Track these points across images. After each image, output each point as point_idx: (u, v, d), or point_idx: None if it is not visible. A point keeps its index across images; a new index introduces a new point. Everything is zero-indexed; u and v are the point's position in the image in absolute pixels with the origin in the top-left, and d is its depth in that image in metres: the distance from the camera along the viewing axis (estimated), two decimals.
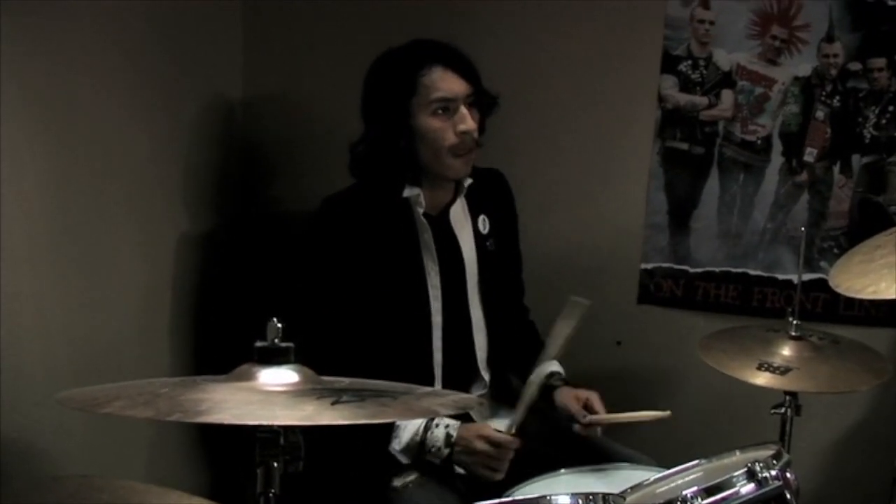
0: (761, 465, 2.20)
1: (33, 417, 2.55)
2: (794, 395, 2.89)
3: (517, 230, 3.27)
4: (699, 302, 3.67)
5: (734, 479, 2.17)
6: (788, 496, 2.18)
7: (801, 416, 2.92)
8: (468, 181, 3.03)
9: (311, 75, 3.71)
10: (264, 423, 1.48)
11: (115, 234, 2.96)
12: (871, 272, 2.54)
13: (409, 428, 2.85)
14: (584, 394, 3.01)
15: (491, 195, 3.16)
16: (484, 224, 3.12)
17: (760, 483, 2.16)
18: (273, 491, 1.58)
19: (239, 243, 3.69)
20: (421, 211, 2.96)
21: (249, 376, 1.62)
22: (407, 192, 2.94)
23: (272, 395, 1.57)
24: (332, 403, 1.48)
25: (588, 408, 2.97)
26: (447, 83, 2.88)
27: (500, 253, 3.17)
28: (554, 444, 2.95)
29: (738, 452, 2.50)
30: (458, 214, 3.07)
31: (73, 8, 2.70)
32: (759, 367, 2.85)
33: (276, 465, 1.58)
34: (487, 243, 3.12)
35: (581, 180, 3.63)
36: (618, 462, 2.89)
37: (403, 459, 2.86)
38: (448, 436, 2.81)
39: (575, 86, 3.59)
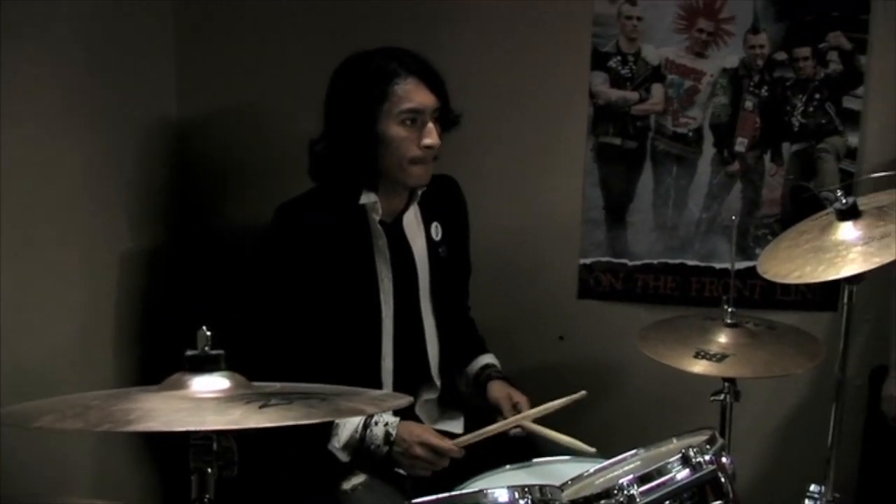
0: (695, 450, 2.22)
1: None
2: (732, 381, 2.92)
3: (468, 237, 3.29)
4: (639, 294, 3.72)
5: (669, 466, 2.18)
6: (723, 479, 2.20)
7: (739, 401, 2.94)
8: (422, 188, 3.05)
9: (245, 88, 3.72)
10: (192, 428, 1.49)
11: (53, 253, 2.93)
12: (797, 257, 2.58)
13: (347, 426, 2.87)
14: (517, 397, 3.06)
15: (444, 202, 3.19)
16: (437, 231, 3.15)
17: (695, 468, 2.18)
18: (208, 496, 1.59)
19: (181, 258, 3.70)
20: (377, 218, 2.98)
21: (181, 385, 1.63)
22: (364, 199, 2.95)
23: (202, 401, 1.58)
24: (260, 407, 1.50)
25: (516, 409, 3.02)
26: (419, 95, 2.90)
27: (452, 259, 3.20)
28: (497, 441, 2.95)
29: (674, 440, 2.52)
30: (412, 221, 3.10)
31: (6, 31, 2.67)
32: (697, 356, 2.88)
33: (210, 470, 1.59)
34: (440, 250, 3.15)
35: (517, 178, 3.67)
36: (561, 456, 2.88)
37: (343, 457, 2.89)
38: (387, 434, 2.85)
39: (507, 86, 3.62)
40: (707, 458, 2.22)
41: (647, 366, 3.03)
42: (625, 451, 2.51)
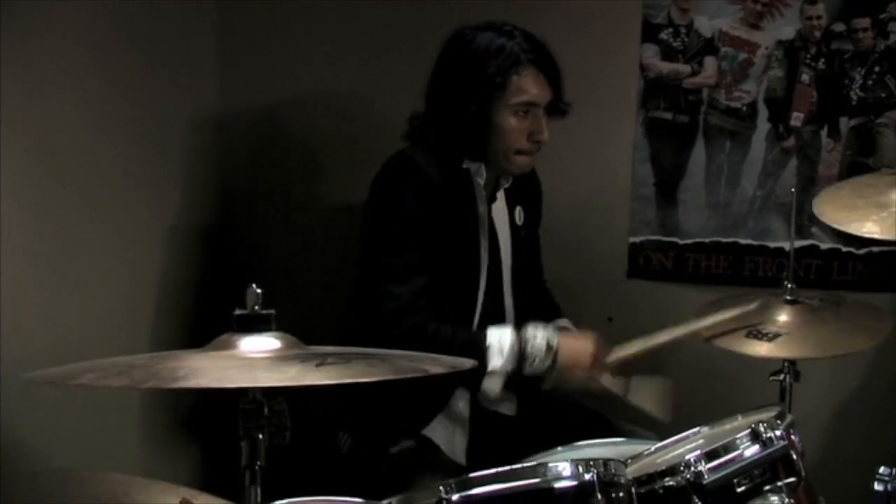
0: (765, 425, 2.14)
1: (13, 409, 2.50)
2: (792, 361, 2.84)
3: (539, 222, 3.23)
4: (690, 274, 3.62)
5: (738, 441, 2.10)
6: (794, 456, 2.12)
7: (800, 381, 2.86)
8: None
9: (289, 78, 3.69)
10: (244, 385, 1.41)
11: (102, 229, 2.99)
12: (860, 208, 2.50)
13: (498, 348, 2.80)
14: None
15: (526, 187, 3.12)
16: (520, 215, 3.09)
17: (765, 444, 2.10)
18: (259, 463, 1.50)
19: (229, 241, 3.69)
20: (481, 182, 2.93)
21: (229, 345, 1.54)
22: (467, 164, 2.91)
23: (253, 360, 1.50)
24: (317, 365, 1.41)
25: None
26: (536, 88, 2.85)
27: (531, 242, 3.17)
28: (556, 419, 2.95)
29: (739, 417, 2.44)
30: (499, 204, 3.04)
31: (56, 28, 2.77)
32: (749, 335, 2.82)
33: (260, 437, 1.51)
34: (522, 234, 3.10)
35: (565, 155, 3.49)
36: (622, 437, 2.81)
37: (498, 384, 2.83)
38: (549, 346, 2.80)
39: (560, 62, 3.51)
40: (778, 433, 2.14)
41: (700, 347, 2.97)
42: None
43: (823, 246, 3.54)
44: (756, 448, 2.10)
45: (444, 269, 2.87)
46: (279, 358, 1.50)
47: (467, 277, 2.95)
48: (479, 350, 2.77)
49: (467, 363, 1.63)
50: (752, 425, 2.14)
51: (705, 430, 2.41)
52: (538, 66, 2.84)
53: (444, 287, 2.86)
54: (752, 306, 2.86)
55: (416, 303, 2.80)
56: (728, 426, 2.42)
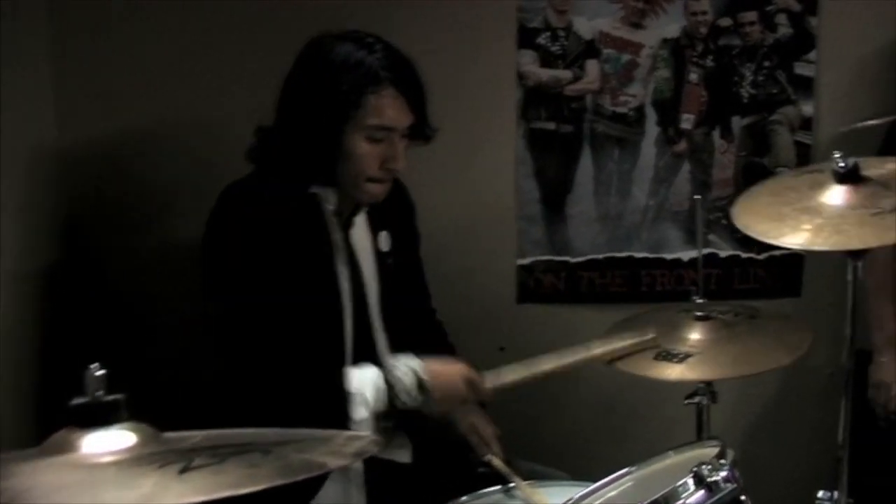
0: (708, 467, 1.92)
1: None
2: (708, 381, 2.66)
3: (419, 243, 2.93)
4: (584, 294, 3.41)
5: (681, 489, 1.88)
6: (744, 498, 1.90)
7: (717, 402, 2.71)
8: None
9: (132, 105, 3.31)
10: None
11: None
12: (787, 217, 2.27)
13: (363, 389, 2.53)
14: (484, 430, 2.76)
15: (393, 207, 2.79)
16: (386, 241, 2.77)
17: (711, 489, 1.89)
18: None
19: (73, 282, 3.28)
20: (331, 209, 2.62)
21: (68, 446, 1.21)
22: (315, 188, 2.60)
23: (97, 469, 1.17)
24: (181, 472, 1.10)
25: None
26: (395, 111, 2.53)
27: (403, 270, 2.84)
28: (456, 465, 2.72)
29: (671, 454, 2.25)
30: (359, 229, 2.73)
31: None
32: (657, 357, 2.62)
33: None
34: (389, 261, 2.77)
35: (441, 174, 3.27)
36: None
37: (369, 427, 2.52)
38: (417, 379, 2.54)
39: (424, 71, 3.24)
40: (723, 474, 1.94)
41: (607, 372, 2.77)
42: (601, 471, 2.20)
43: (723, 253, 3.39)
44: (702, 495, 1.89)
45: (300, 309, 2.52)
46: (132, 461, 1.17)
47: (329, 314, 2.64)
48: (342, 400, 2.51)
49: (373, 448, 1.33)
50: (695, 469, 1.92)
51: (634, 471, 2.19)
52: (398, 86, 2.53)
53: (302, 328, 2.53)
54: (648, 337, 2.68)
55: (266, 354, 2.51)
56: (660, 465, 2.22)
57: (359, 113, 2.50)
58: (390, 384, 2.53)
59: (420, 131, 2.64)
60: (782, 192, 2.35)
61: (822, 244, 2.18)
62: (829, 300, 3.35)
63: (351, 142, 2.52)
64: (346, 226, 2.68)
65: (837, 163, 2.23)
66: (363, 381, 2.53)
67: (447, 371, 2.60)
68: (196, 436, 1.32)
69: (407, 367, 2.56)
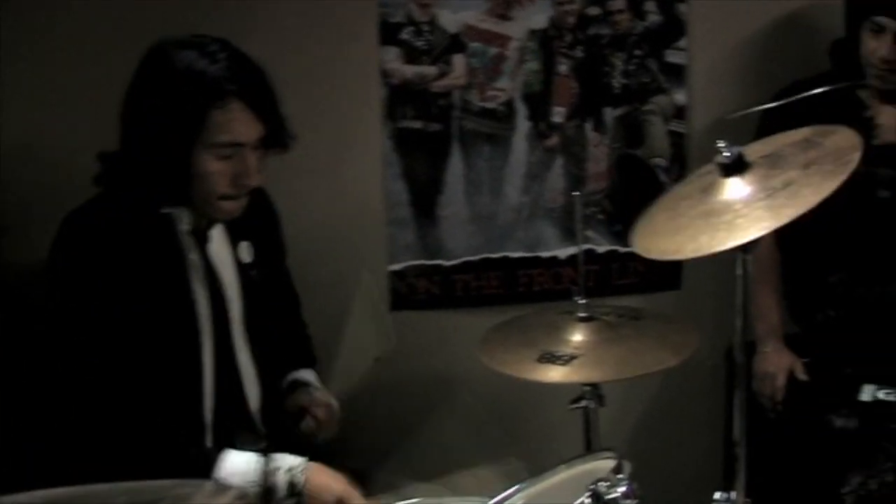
0: (606, 484, 1.84)
1: None
2: (594, 384, 2.58)
3: (285, 252, 2.75)
4: (460, 298, 3.28)
5: None
6: None
7: (605, 405, 2.63)
8: None
9: None
10: None
11: None
12: (685, 227, 2.18)
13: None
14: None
15: (254, 216, 2.57)
16: (248, 252, 2.57)
17: None
18: None
19: None
20: (186, 229, 2.41)
21: None
22: (167, 209, 2.39)
23: None
24: None
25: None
26: (243, 126, 2.31)
27: (268, 283, 2.64)
28: None
29: (563, 468, 2.12)
30: (217, 241, 2.52)
31: None
32: (541, 359, 2.50)
33: None
34: (252, 273, 2.57)
35: (305, 179, 3.11)
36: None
37: None
38: (292, 484, 2.31)
39: (284, 71, 3.04)
40: (622, 489, 1.86)
41: (487, 377, 2.63)
42: (486, 485, 2.22)
43: (601, 249, 3.32)
44: None
45: (152, 341, 2.34)
46: None
47: (186, 340, 2.45)
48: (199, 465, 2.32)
49: None
50: (592, 486, 1.83)
51: (524, 487, 2.03)
52: (244, 98, 2.31)
53: (155, 361, 2.35)
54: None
55: (112, 401, 2.30)
56: (552, 481, 2.08)
57: (204, 131, 2.28)
58: (261, 481, 2.33)
59: (275, 140, 2.43)
60: (676, 205, 2.26)
61: (719, 245, 2.08)
62: (710, 291, 3.36)
63: (199, 161, 2.31)
64: (203, 241, 2.48)
65: (722, 153, 2.15)
66: (234, 469, 2.33)
67: (327, 487, 2.39)
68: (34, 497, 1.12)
69: (286, 468, 2.36)
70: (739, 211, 2.09)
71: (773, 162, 2.17)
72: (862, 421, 2.96)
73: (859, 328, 3.17)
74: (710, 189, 2.19)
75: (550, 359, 2.50)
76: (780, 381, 3.07)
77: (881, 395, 3.01)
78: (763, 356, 3.10)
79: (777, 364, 3.10)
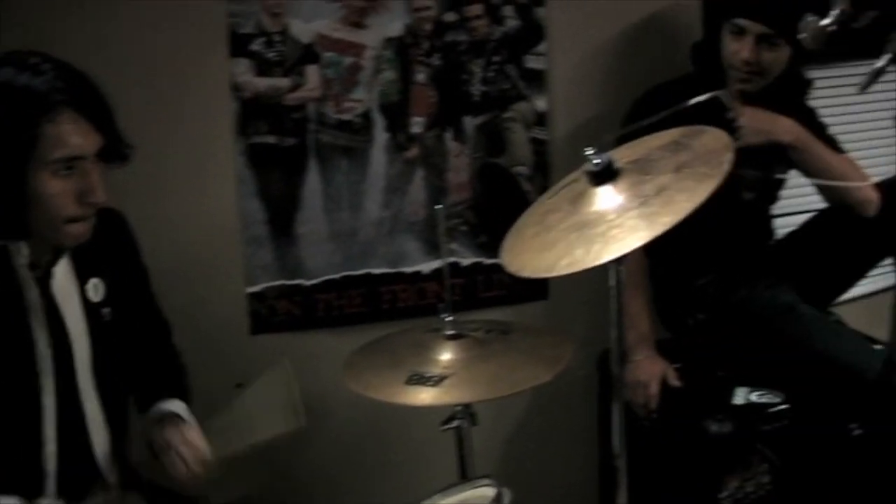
0: None
1: None
2: (466, 403, 2.51)
3: (147, 280, 2.57)
4: (322, 318, 3.15)
5: None
6: None
7: (478, 423, 2.57)
8: None
9: None
10: None
11: None
12: (557, 241, 2.09)
13: None
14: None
15: (106, 248, 2.40)
16: (96, 290, 2.37)
17: None
18: None
19: None
20: (24, 263, 2.22)
21: None
22: (2, 241, 2.20)
23: None
24: None
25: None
26: (79, 136, 2.13)
27: (122, 321, 2.44)
28: None
29: (439, 498, 2.09)
30: (63, 279, 2.32)
31: None
32: (410, 381, 2.40)
33: None
34: (103, 312, 2.38)
35: (156, 199, 2.94)
36: None
37: None
38: None
39: (130, 85, 2.88)
40: None
41: (355, 402, 2.52)
42: None
43: (465, 262, 3.23)
44: None
45: None
46: None
47: (24, 383, 2.26)
48: None
49: None
50: None
51: None
52: (76, 107, 2.14)
53: None
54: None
55: None
56: None
57: (38, 148, 2.10)
58: None
59: (114, 152, 2.24)
60: (544, 219, 2.16)
61: (595, 259, 1.99)
62: (578, 300, 3.31)
63: (37, 182, 2.12)
64: (44, 279, 2.28)
65: (591, 160, 2.07)
66: None
67: None
68: None
69: None
70: (613, 221, 2.01)
71: (643, 167, 2.11)
72: (736, 425, 2.95)
73: (729, 330, 3.17)
74: (579, 199, 2.11)
75: (419, 380, 2.40)
76: (653, 389, 3.04)
77: (754, 397, 3.01)
78: (635, 364, 3.05)
79: (649, 372, 3.06)
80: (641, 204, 2.00)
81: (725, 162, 2.00)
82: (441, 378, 2.40)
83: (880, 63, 0.81)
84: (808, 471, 2.93)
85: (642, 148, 2.19)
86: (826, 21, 0.90)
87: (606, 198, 2.05)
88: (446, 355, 2.48)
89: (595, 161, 2.06)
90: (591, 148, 2.08)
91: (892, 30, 0.77)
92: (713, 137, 2.13)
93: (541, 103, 3.21)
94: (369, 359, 2.58)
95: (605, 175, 2.08)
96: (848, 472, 2.93)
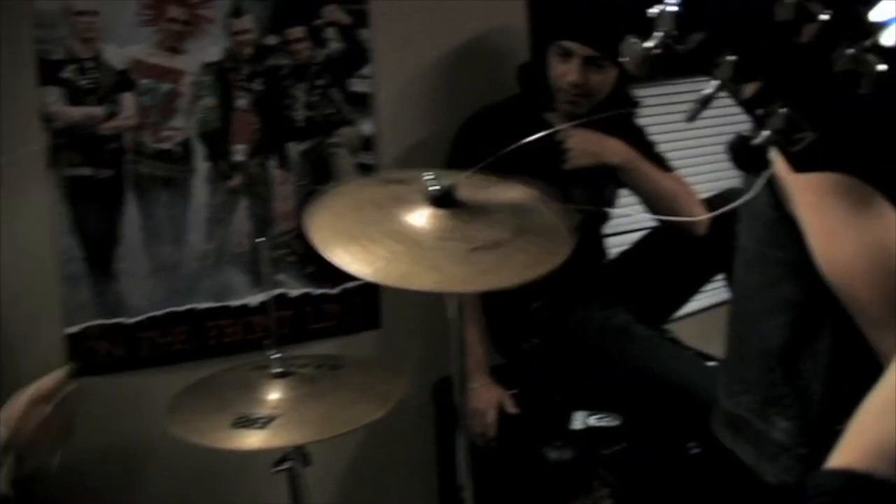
0: None
1: None
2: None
3: None
4: (147, 358, 3.00)
5: None
6: None
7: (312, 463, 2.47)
8: None
9: None
10: None
11: None
12: (378, 242, 1.99)
13: None
14: None
15: None
16: None
17: None
18: None
19: None
20: None
21: None
22: None
23: None
24: None
25: None
26: None
27: None
28: None
29: None
30: None
31: None
32: (236, 424, 2.28)
33: None
34: None
35: None
36: None
37: None
38: None
39: None
40: None
41: (183, 446, 2.35)
42: None
43: (294, 293, 3.13)
44: None
45: None
46: None
47: None
48: None
49: None
50: None
51: None
52: None
53: None
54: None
55: None
56: None
57: None
58: None
59: None
60: (364, 206, 2.06)
61: (420, 282, 1.91)
62: (410, 328, 3.23)
63: None
64: None
65: (429, 185, 1.99)
66: None
67: None
68: None
69: None
70: (444, 251, 1.94)
71: (484, 209, 2.04)
72: (575, 450, 2.92)
73: (566, 354, 3.14)
74: (405, 206, 2.01)
75: (246, 423, 2.28)
76: (491, 417, 2.98)
77: (592, 421, 2.99)
78: (471, 393, 2.98)
79: (486, 400, 3.00)
80: (474, 250, 1.94)
81: (561, 255, 1.97)
82: (269, 419, 2.29)
83: (708, 91, 0.78)
84: (648, 492, 2.92)
85: (486, 190, 2.11)
86: (649, 44, 0.87)
87: (436, 221, 1.98)
88: (274, 395, 2.38)
89: (433, 187, 1.99)
90: (430, 174, 2.01)
91: (718, 53, 0.74)
92: (558, 215, 2.09)
93: (367, 127, 3.14)
94: (194, 401, 2.45)
95: (443, 201, 2.01)
96: (687, 491, 2.93)
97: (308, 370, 2.48)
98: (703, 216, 3.01)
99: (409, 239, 1.96)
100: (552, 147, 2.92)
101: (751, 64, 0.73)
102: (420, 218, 1.99)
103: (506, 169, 2.13)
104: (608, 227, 3.31)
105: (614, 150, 3.00)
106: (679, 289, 3.33)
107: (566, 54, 2.92)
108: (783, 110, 0.71)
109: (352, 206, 2.11)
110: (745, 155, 0.77)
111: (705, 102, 0.79)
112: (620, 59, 0.87)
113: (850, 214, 1.42)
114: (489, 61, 3.28)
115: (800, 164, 0.75)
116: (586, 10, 2.85)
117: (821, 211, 1.43)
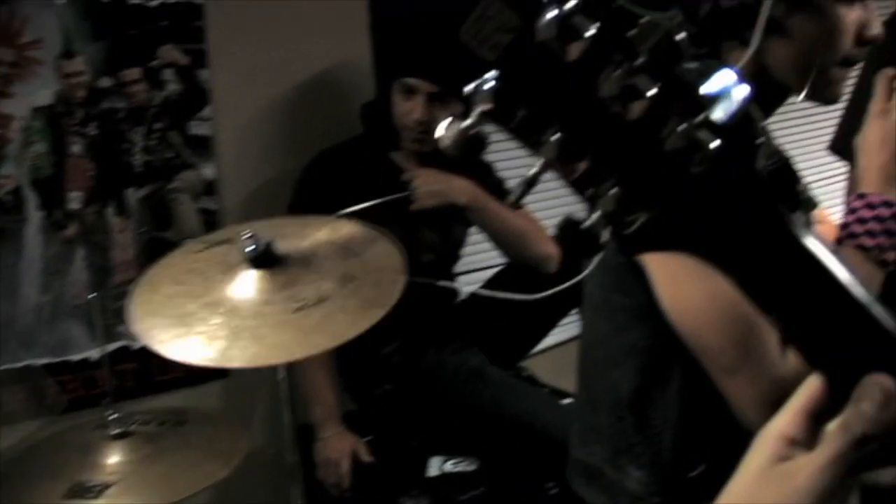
0: None
1: None
2: None
3: None
4: None
5: None
6: None
7: None
8: None
9: None
10: None
11: None
12: (195, 317, 1.91)
13: None
14: None
15: None
16: None
17: None
18: None
19: None
20: None
21: None
22: None
23: None
24: None
25: None
26: None
27: None
28: None
29: None
30: None
31: None
32: (70, 494, 2.15)
33: None
34: None
35: None
36: None
37: None
38: None
39: None
40: None
41: None
42: None
43: (136, 345, 2.95)
44: None
45: None
46: None
47: None
48: None
49: None
50: None
51: None
52: None
53: None
54: None
55: None
56: None
57: None
58: None
59: None
60: (186, 278, 1.96)
61: (239, 359, 1.82)
62: (261, 375, 3.11)
63: None
64: None
65: (246, 245, 1.90)
66: None
67: None
68: None
69: None
70: (264, 319, 1.86)
71: (308, 261, 1.97)
72: (432, 498, 2.85)
73: (419, 398, 3.07)
74: (228, 272, 1.93)
75: (81, 492, 2.16)
76: (345, 466, 2.89)
77: (448, 466, 2.92)
78: (324, 443, 2.90)
79: (339, 449, 2.91)
80: (298, 310, 1.86)
81: (395, 292, 1.90)
82: (105, 487, 2.16)
83: (533, 171, 0.74)
84: None
85: (311, 239, 2.04)
86: (467, 123, 0.83)
87: (257, 285, 1.90)
88: (112, 458, 2.25)
89: (250, 247, 1.90)
90: (247, 231, 1.92)
91: (542, 132, 0.69)
92: (385, 252, 2.02)
93: (208, 171, 3.04)
94: (26, 468, 2.30)
95: (263, 260, 1.93)
96: None
97: (150, 427, 2.36)
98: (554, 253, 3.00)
99: (229, 310, 1.88)
100: (398, 187, 2.87)
101: (577, 142, 0.67)
102: (242, 283, 1.91)
103: (355, 214, 2.08)
104: (459, 267, 3.26)
105: (461, 189, 2.95)
106: (534, 327, 3.29)
107: (410, 91, 2.87)
108: (614, 191, 0.65)
109: (175, 281, 2.01)
110: (575, 238, 0.73)
111: (530, 184, 0.73)
112: (436, 138, 0.80)
113: (696, 262, 1.39)
114: (334, 99, 3.22)
115: (630, 247, 0.70)
116: (429, 45, 2.80)
117: (666, 259, 1.40)
